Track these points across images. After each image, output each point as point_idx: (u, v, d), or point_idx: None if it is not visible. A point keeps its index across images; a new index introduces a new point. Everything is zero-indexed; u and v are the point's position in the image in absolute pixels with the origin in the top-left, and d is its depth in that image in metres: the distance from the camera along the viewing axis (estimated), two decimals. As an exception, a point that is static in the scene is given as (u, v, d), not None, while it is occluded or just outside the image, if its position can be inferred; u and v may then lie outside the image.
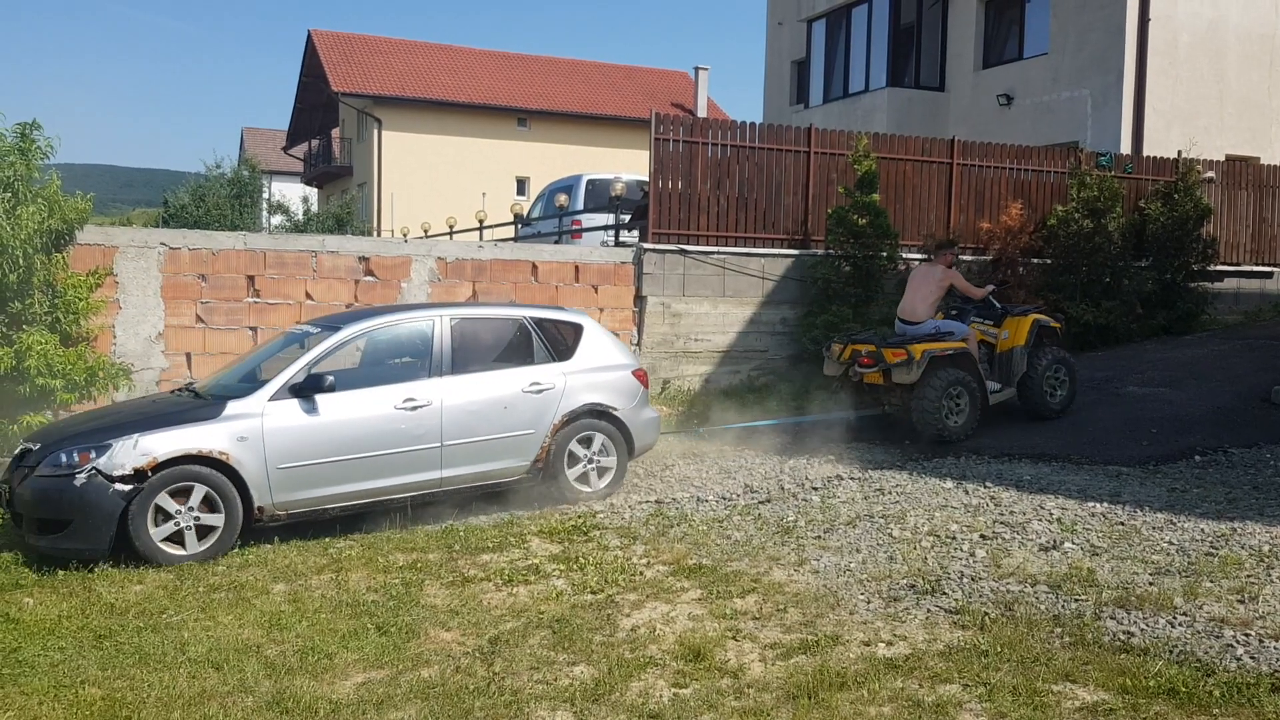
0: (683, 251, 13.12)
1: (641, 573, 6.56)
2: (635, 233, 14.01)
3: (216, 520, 7.21)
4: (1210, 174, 16.37)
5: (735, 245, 13.55)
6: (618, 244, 13.87)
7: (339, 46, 37.60)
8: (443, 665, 5.26)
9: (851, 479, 8.90)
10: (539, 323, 8.93)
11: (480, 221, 17.51)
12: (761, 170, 13.78)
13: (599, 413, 8.78)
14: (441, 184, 34.28)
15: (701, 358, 13.20)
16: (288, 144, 45.58)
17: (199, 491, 7.17)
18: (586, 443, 8.74)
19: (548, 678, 5.07)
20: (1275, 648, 4.94)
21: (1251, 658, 4.86)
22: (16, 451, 7.70)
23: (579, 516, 7.99)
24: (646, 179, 13.85)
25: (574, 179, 17.27)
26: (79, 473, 6.95)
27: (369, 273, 11.44)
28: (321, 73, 36.07)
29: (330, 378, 7.64)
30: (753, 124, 13.91)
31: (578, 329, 9.08)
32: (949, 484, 8.57)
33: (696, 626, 5.63)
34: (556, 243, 15.03)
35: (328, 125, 41.86)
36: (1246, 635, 5.12)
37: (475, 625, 5.82)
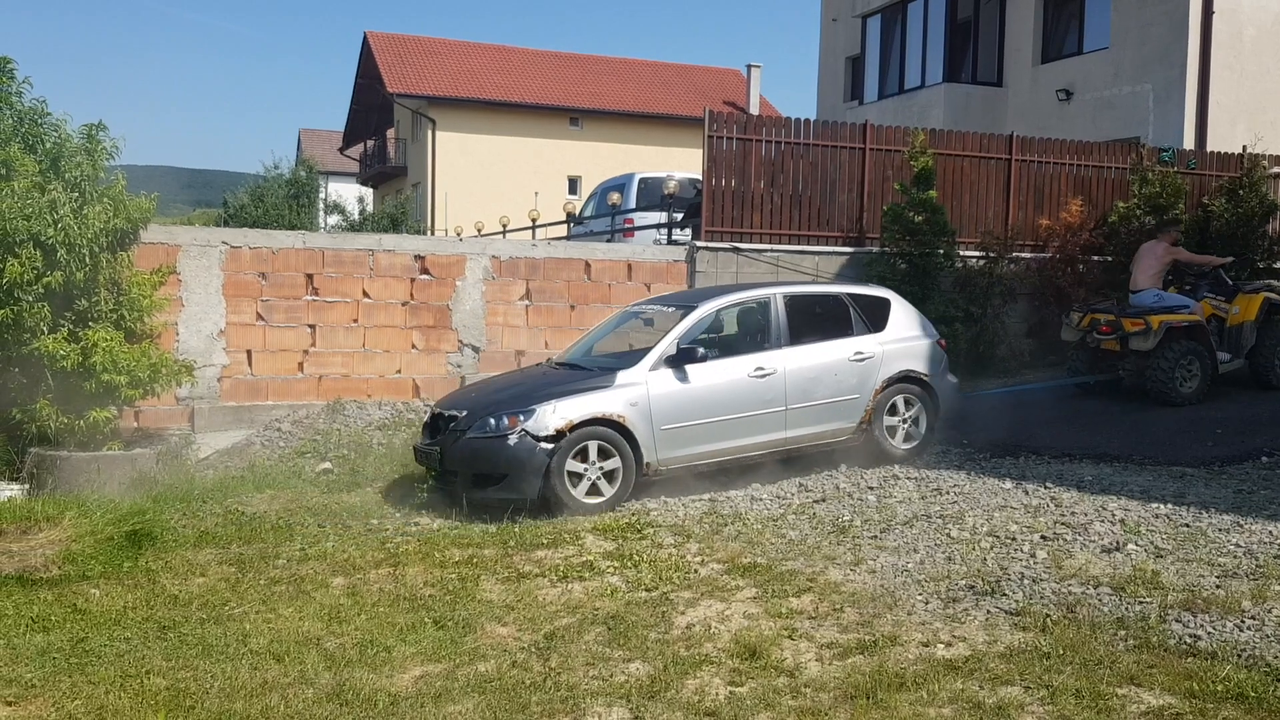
0: (736, 249, 13.07)
1: (696, 570, 6.54)
2: (688, 231, 13.99)
3: (617, 473, 8.36)
4: (1277, 169, 15.93)
5: (789, 243, 13.47)
6: (670, 242, 13.85)
7: (394, 48, 38.01)
8: (499, 660, 5.29)
9: (908, 479, 8.80)
10: (854, 298, 9.92)
11: (533, 220, 17.58)
12: (816, 167, 13.68)
13: (911, 379, 9.70)
14: (495, 183, 34.51)
15: (755, 356, 13.12)
16: (344, 145, 46.19)
17: (602, 449, 8.31)
18: (901, 406, 9.67)
19: (603, 674, 5.07)
20: (1349, 654, 4.80)
21: (1324, 664, 4.73)
22: (426, 418, 9.11)
23: (633, 514, 8.00)
24: (699, 177, 13.82)
25: (626, 178, 17.29)
26: (510, 434, 8.16)
27: (424, 271, 11.54)
28: (377, 74, 36.50)
29: (701, 349, 8.77)
30: (807, 120, 13.82)
31: (886, 303, 10.01)
32: (1008, 484, 8.45)
33: (752, 625, 5.60)
34: (609, 241, 15.05)
35: (383, 126, 42.35)
36: (1319, 641, 4.98)
37: (531, 621, 5.85)
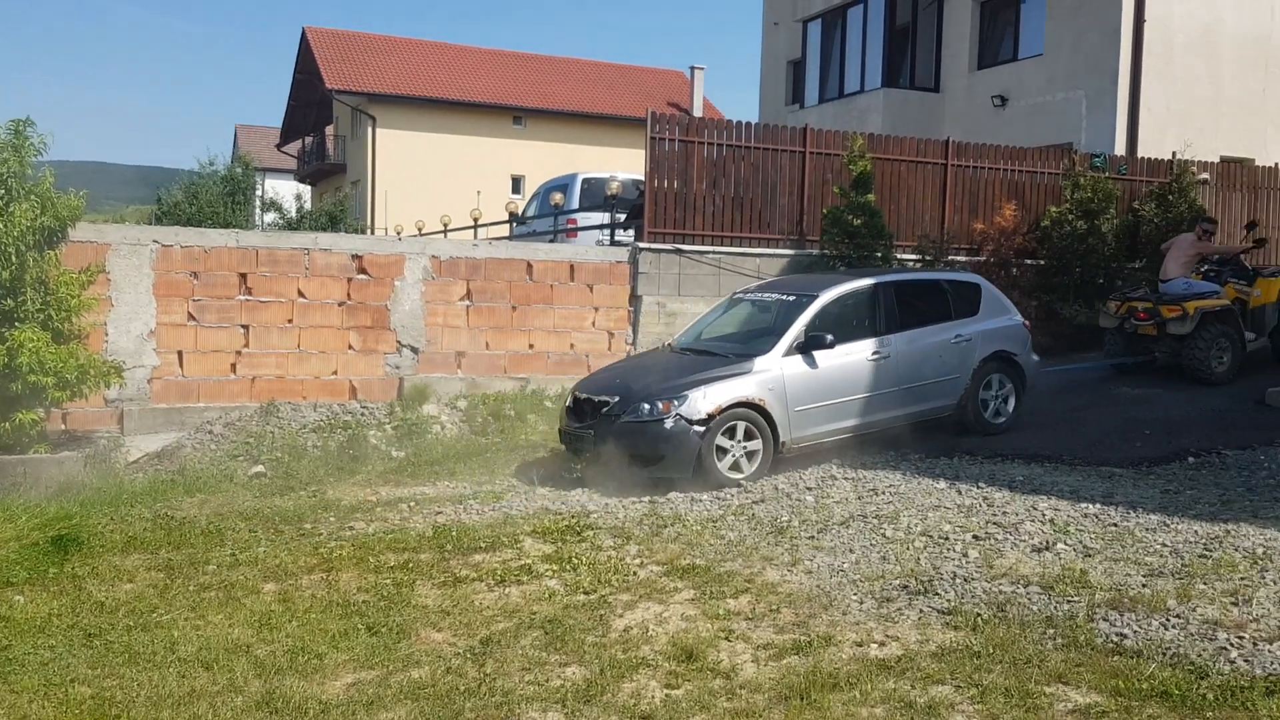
0: (678, 251, 13.10)
1: (635, 573, 6.54)
2: (630, 232, 14.00)
3: (757, 451, 9.06)
4: (1205, 176, 16.37)
5: (731, 245, 13.53)
6: (613, 243, 13.85)
7: (334, 44, 37.53)
8: (433, 666, 5.24)
9: (845, 479, 8.87)
10: (951, 284, 10.76)
11: (475, 220, 17.49)
12: (757, 170, 13.76)
13: (1003, 358, 10.52)
14: (436, 182, 34.21)
15: (696, 357, 13.16)
16: (281, 141, 45.48)
17: (745, 429, 9.01)
18: (995, 384, 10.50)
19: (539, 678, 5.05)
20: (1269, 650, 4.93)
21: (1245, 660, 4.85)
22: (568, 404, 9.73)
23: (572, 516, 7.97)
24: (642, 178, 13.84)
25: (569, 178, 17.25)
26: (667, 419, 8.82)
27: (362, 270, 11.41)
28: (316, 70, 35.98)
29: (829, 336, 9.40)
30: (748, 124, 13.90)
31: (977, 289, 10.79)
32: (942, 484, 8.56)
33: (689, 627, 5.61)
34: (551, 241, 15.01)
35: (322, 122, 41.79)
36: (1240, 638, 5.10)
37: (467, 626, 5.80)
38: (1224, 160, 17.62)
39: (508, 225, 17.49)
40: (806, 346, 9.39)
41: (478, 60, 39.59)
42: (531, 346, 12.24)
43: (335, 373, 11.30)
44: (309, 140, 43.64)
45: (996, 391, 10.53)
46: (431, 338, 11.74)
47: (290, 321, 11.12)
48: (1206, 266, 13.04)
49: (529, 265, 12.28)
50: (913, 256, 14.18)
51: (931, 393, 10.12)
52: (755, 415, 9.06)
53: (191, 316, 10.76)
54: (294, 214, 30.42)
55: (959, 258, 14.52)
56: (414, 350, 11.64)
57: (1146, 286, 13.18)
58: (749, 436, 9.04)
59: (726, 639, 5.43)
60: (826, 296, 9.80)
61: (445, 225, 19.01)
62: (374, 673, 5.18)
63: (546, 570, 6.66)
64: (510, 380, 12.05)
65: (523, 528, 7.67)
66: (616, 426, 9.01)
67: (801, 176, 13.96)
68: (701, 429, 8.82)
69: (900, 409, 9.92)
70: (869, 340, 9.78)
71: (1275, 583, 5.84)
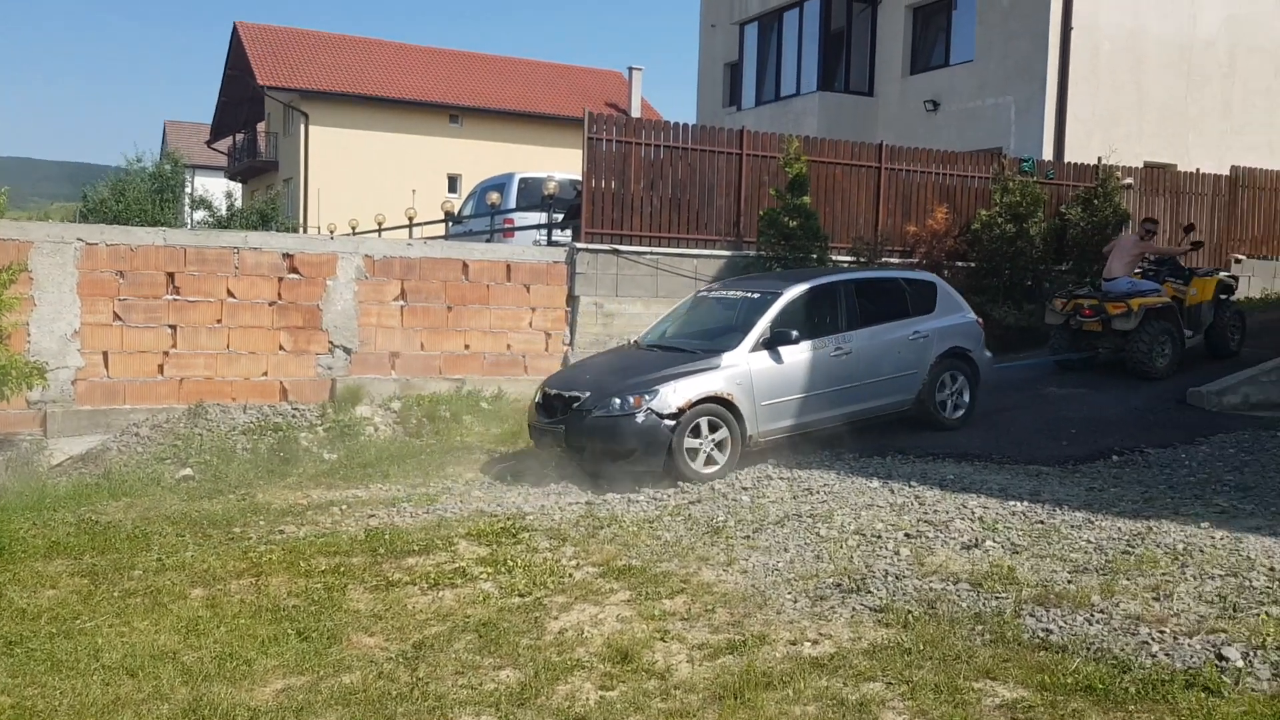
0: (616, 251, 13.11)
1: (570, 574, 6.52)
2: (568, 232, 13.97)
3: (726, 446, 9.24)
4: (1129, 180, 16.79)
5: (669, 246, 13.57)
6: (550, 243, 13.81)
7: (265, 39, 36.91)
8: (365, 671, 5.18)
9: (781, 479, 8.95)
10: (909, 282, 11.01)
11: (410, 219, 17.31)
12: (695, 171, 13.82)
13: (958, 354, 10.84)
14: (371, 180, 33.80)
15: (633, 358, 13.17)
16: (211, 138, 44.58)
17: (712, 423, 9.19)
18: (949, 380, 10.78)
19: (472, 682, 5.02)
20: (1189, 645, 5.06)
21: (1166, 655, 4.98)
22: (537, 399, 9.78)
23: (508, 518, 7.93)
24: (580, 178, 13.81)
25: (506, 177, 17.16)
26: (638, 413, 8.96)
27: (293, 270, 11.23)
28: (247, 65, 35.36)
29: (795, 332, 9.67)
30: (686, 125, 13.95)
31: (933, 287, 11.09)
32: (875, 483, 8.67)
33: (625, 628, 5.61)
34: (488, 241, 14.92)
35: (253, 119, 41.05)
36: (1161, 632, 5.24)
37: (399, 630, 5.75)
38: (1147, 165, 18.10)
39: (444, 225, 17.34)
40: (772, 342, 9.62)
41: (414, 58, 39.21)
42: (467, 347, 12.15)
43: (265, 374, 11.11)
44: (240, 137, 42.86)
45: (952, 387, 10.85)
46: (365, 338, 11.60)
47: (219, 322, 10.91)
48: (1145, 265, 13.49)
49: (465, 265, 12.19)
50: (847, 258, 14.34)
51: (891, 388, 10.40)
52: (723, 410, 9.27)
53: (117, 316, 10.51)
54: (224, 212, 29.87)
55: (892, 260, 14.72)
56: (347, 351, 11.49)
57: (1090, 284, 13.66)
58: (714, 429, 9.23)
59: (662, 639, 5.44)
60: (790, 294, 10.03)
61: (380, 224, 18.79)
62: (304, 678, 5.10)
63: (481, 573, 6.62)
64: (445, 381, 11.95)
65: (457, 530, 7.61)
66: (588, 422, 9.13)
67: (738, 178, 14.04)
68: (672, 423, 8.99)
69: (861, 404, 10.18)
70: (831, 337, 10.03)
71: (1195, 578, 6.01)
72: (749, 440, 9.42)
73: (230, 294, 10.96)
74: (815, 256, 13.48)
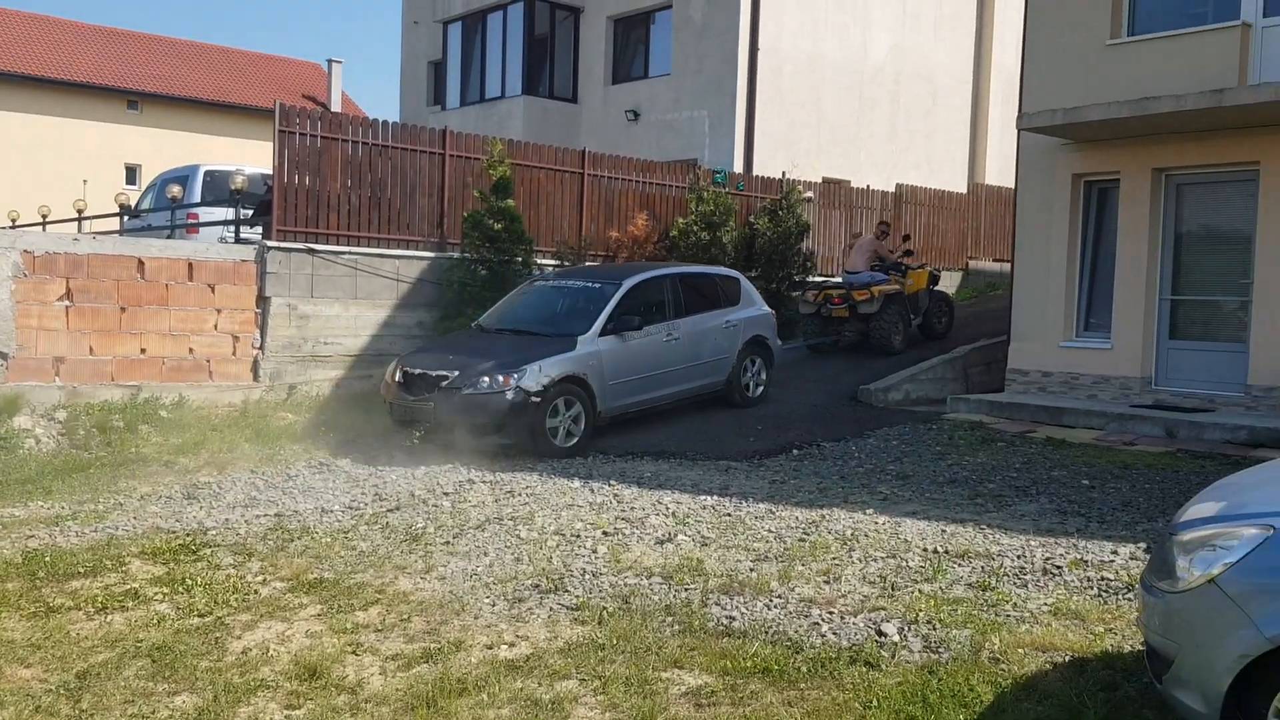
0: (311, 251, 12.57)
1: (256, 591, 6.18)
2: (259, 230, 13.25)
3: (580, 421, 10.25)
4: (809, 194, 18.05)
5: (369, 245, 13.18)
6: (239, 241, 13.06)
7: (-96, 4, 32.62)
8: (19, 706, 4.67)
9: (483, 483, 8.92)
10: (720, 278, 12.61)
11: (79, 211, 15.83)
12: (398, 170, 13.51)
13: (759, 341, 12.48)
14: (35, 168, 30.64)
15: (332, 362, 12.71)
16: None
17: (568, 400, 10.15)
18: (750, 364, 12.36)
19: (144, 710, 4.65)
20: (854, 623, 5.49)
21: (834, 634, 5.37)
22: (397, 378, 10.35)
23: (188, 534, 7.40)
24: (271, 173, 13.14)
25: (190, 169, 16.05)
26: (508, 391, 9.77)
27: (-66, 265, 9.98)
28: (-119, 32, 31.10)
29: (637, 318, 10.84)
30: (388, 122, 13.61)
31: (738, 281, 12.74)
32: (576, 483, 8.82)
33: (314, 644, 5.38)
34: (169, 237, 13.90)
35: (-110, 94, 36.14)
36: (830, 613, 5.64)
37: (61, 659, 5.23)
38: (826, 180, 19.53)
39: (118, 219, 15.99)
40: (618, 328, 10.72)
41: (86, 37, 35.89)
42: (144, 351, 11.26)
43: (-101, 382, 9.80)
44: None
45: (754, 370, 12.41)
46: (24, 342, 10.48)
47: None
48: (876, 262, 15.50)
49: (141, 263, 11.28)
50: (552, 262, 14.52)
51: (709, 370, 11.82)
52: (578, 389, 10.22)
53: None
54: None
55: (596, 263, 15.03)
56: (2, 356, 10.34)
57: (829, 279, 16.03)
58: (569, 406, 10.16)
59: (354, 653, 5.26)
60: (629, 284, 11.18)
61: (44, 217, 17.04)
62: (-62, 725, 4.53)
63: (156, 594, 6.13)
64: (119, 388, 11.01)
65: (130, 549, 7.01)
66: (458, 399, 9.79)
67: (442, 178, 13.87)
68: (538, 400, 9.85)
69: (687, 384, 11.57)
70: (664, 324, 11.32)
71: (861, 560, 6.53)
72: (599, 416, 10.42)
73: None
74: (520, 259, 13.54)
